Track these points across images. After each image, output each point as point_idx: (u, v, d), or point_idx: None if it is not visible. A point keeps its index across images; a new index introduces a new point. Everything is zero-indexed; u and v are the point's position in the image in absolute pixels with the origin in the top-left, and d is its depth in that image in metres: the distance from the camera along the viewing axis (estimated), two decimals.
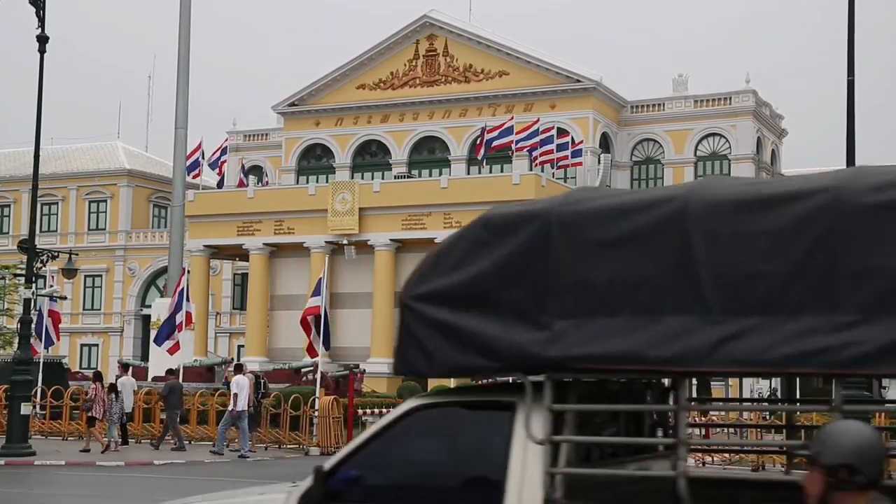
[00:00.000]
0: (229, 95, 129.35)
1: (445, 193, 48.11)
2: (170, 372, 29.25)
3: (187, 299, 31.46)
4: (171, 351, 31.02)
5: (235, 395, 25.91)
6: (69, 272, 37.51)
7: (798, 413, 26.45)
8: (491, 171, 54.04)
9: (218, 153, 55.57)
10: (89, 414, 25.65)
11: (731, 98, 56.61)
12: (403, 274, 49.11)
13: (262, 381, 29.32)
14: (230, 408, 26.04)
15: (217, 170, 56.23)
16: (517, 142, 51.61)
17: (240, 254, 55.08)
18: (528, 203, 5.65)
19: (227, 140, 63.37)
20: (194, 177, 53.70)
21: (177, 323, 30.66)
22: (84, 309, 67.31)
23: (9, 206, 70.58)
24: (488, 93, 57.18)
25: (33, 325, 27.68)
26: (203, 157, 54.90)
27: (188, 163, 49.67)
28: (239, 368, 28.11)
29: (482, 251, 5.44)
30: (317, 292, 29.99)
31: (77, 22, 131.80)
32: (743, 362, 4.85)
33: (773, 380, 50.75)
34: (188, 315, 30.99)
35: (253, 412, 26.52)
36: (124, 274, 66.43)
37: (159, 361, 40.78)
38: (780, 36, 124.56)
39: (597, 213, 5.29)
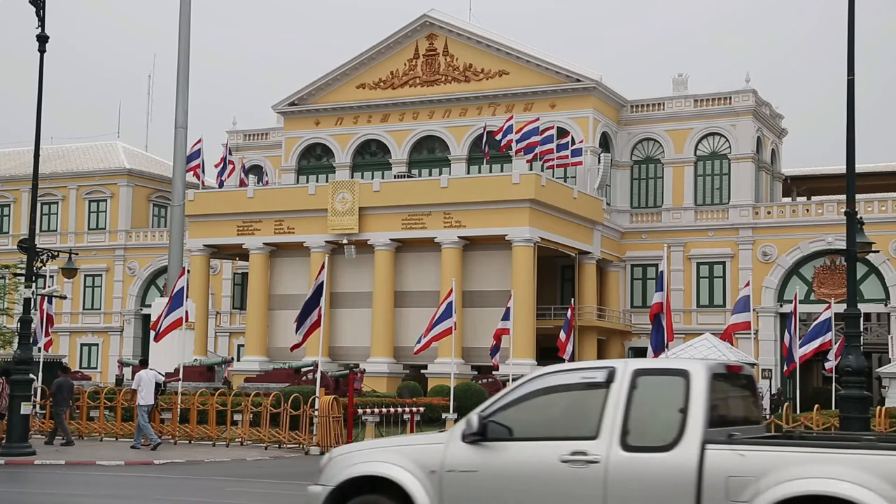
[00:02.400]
0: (229, 95, 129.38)
1: (445, 193, 48.11)
2: (62, 369, 30.47)
3: (186, 298, 31.54)
4: (158, 339, 31.55)
5: (135, 389, 27.30)
6: (69, 272, 37.40)
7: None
8: (491, 171, 54.02)
9: (222, 162, 56.34)
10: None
11: (731, 98, 56.57)
12: (403, 273, 49.30)
13: (163, 379, 30.56)
14: (136, 402, 27.20)
15: (226, 173, 56.79)
16: (517, 140, 51.66)
17: (240, 253, 55.10)
18: None
19: (229, 139, 63.49)
20: (192, 171, 53.76)
21: (171, 322, 30.68)
22: (84, 308, 67.34)
23: (9, 205, 70.59)
24: (488, 92, 57.17)
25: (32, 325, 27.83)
26: (201, 155, 55.24)
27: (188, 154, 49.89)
28: (143, 364, 29.14)
29: None
30: (317, 293, 29.93)
31: (77, 21, 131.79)
32: None
33: (775, 379, 50.83)
34: (185, 314, 30.94)
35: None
36: (124, 273, 66.47)
37: (159, 361, 40.76)
38: (780, 35, 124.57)
39: None
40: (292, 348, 33.46)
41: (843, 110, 16.77)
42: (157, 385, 28.22)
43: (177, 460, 24.33)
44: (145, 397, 26.94)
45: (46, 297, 35.51)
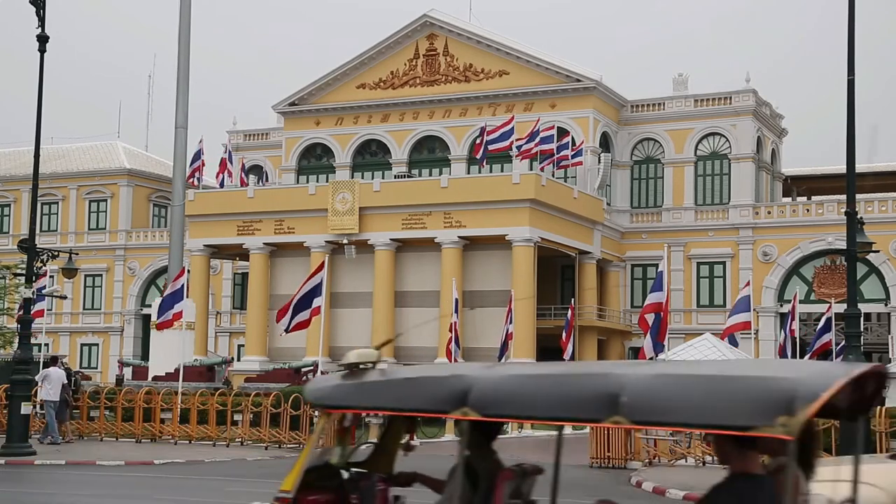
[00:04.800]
0: (229, 95, 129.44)
1: (445, 193, 48.10)
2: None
3: (186, 296, 31.59)
4: (160, 326, 31.69)
5: (39, 385, 27.61)
6: (69, 272, 37.40)
7: None
8: (491, 171, 54.03)
9: (224, 168, 56.26)
10: None
11: (731, 97, 56.58)
12: (403, 273, 49.29)
13: (75, 377, 30.77)
14: (41, 397, 27.70)
15: (233, 177, 56.85)
16: (518, 145, 51.62)
17: (240, 253, 55.09)
18: None
19: (229, 139, 63.48)
20: (189, 180, 53.85)
21: (173, 314, 30.72)
22: (84, 308, 67.33)
23: (9, 205, 70.58)
24: (488, 92, 57.17)
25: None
26: (202, 156, 55.26)
27: (191, 166, 49.92)
28: (54, 360, 29.44)
29: None
30: (318, 293, 29.93)
31: (77, 21, 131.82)
32: None
33: None
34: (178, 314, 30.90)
35: (64, 404, 28.16)
36: (124, 273, 66.46)
37: (159, 361, 40.74)
38: (780, 35, 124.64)
39: None
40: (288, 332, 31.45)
41: (843, 110, 16.77)
42: (66, 384, 28.37)
43: (177, 460, 24.33)
44: (51, 394, 27.34)
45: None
